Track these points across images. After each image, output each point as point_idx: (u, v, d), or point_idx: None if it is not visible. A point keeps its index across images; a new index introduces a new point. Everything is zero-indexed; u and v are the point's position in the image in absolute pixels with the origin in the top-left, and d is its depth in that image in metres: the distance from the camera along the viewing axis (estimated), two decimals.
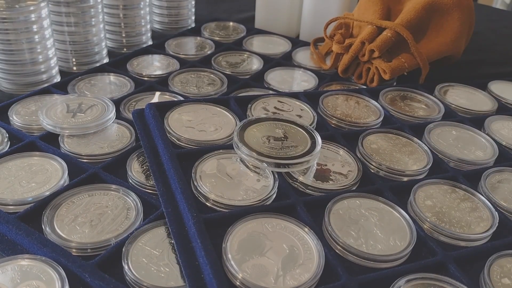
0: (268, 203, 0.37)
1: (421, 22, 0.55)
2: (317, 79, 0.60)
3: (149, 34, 0.70)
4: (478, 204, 0.39)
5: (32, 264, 0.31)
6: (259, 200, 0.36)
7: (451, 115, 0.53)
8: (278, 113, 0.48)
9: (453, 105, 0.55)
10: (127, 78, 0.56)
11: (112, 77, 0.56)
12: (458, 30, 0.56)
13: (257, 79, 0.60)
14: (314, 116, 0.49)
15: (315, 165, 0.41)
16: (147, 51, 0.64)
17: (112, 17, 0.65)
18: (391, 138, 0.47)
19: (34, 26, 0.51)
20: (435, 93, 0.57)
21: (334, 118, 0.49)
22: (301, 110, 0.50)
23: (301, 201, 0.37)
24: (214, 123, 0.45)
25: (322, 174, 0.40)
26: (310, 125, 0.47)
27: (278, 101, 0.50)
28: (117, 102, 0.50)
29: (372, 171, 0.42)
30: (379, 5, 0.57)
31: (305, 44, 0.69)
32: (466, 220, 0.37)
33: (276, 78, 0.59)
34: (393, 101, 0.54)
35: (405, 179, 0.42)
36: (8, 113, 0.47)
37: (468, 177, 0.43)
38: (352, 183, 0.40)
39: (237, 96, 0.51)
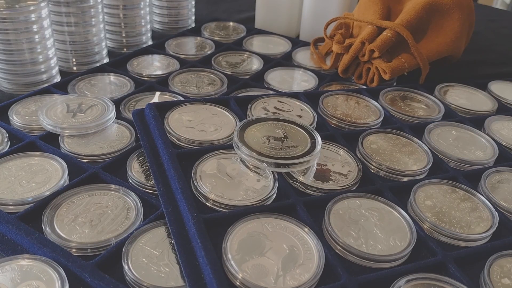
0: (268, 203, 0.37)
1: (421, 22, 0.55)
2: (317, 79, 0.60)
3: (149, 34, 0.70)
4: (478, 204, 0.39)
5: (32, 264, 0.31)
6: (259, 200, 0.36)
7: (451, 115, 0.53)
8: (278, 113, 0.48)
9: (453, 105, 0.55)
10: (127, 78, 0.56)
11: (112, 77, 0.56)
12: (458, 30, 0.56)
13: (257, 79, 0.60)
14: (314, 116, 0.49)
15: (315, 165, 0.41)
16: (147, 51, 0.64)
17: (112, 17, 0.65)
18: (391, 138, 0.47)
19: (34, 26, 0.51)
20: (435, 93, 0.57)
21: (334, 118, 0.49)
22: (301, 110, 0.50)
23: (301, 201, 0.37)
24: (214, 123, 0.45)
25: (322, 174, 0.40)
26: (310, 125, 0.47)
27: (278, 101, 0.50)
28: (117, 102, 0.50)
29: (372, 171, 0.42)
30: (379, 5, 0.57)
31: (305, 44, 0.69)
32: (466, 220, 0.37)
33: (276, 78, 0.59)
34: (393, 101, 0.54)
35: (405, 179, 0.42)
36: (8, 113, 0.47)
37: (468, 177, 0.43)
38: (352, 183, 0.40)
39: (237, 96, 0.51)
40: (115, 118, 0.47)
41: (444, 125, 0.50)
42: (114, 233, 0.35)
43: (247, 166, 0.40)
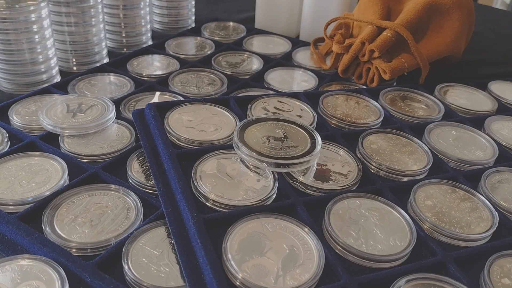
0: (268, 203, 0.37)
1: (421, 22, 0.55)
2: (317, 79, 0.60)
3: (149, 34, 0.70)
4: (478, 204, 0.39)
5: (32, 264, 0.31)
6: (259, 200, 0.36)
7: (451, 115, 0.53)
8: (278, 113, 0.48)
9: (453, 105, 0.55)
10: (127, 78, 0.56)
11: (112, 77, 0.56)
12: (458, 30, 0.56)
13: (257, 79, 0.60)
14: (314, 116, 0.49)
15: (315, 165, 0.41)
16: (147, 51, 0.64)
17: (112, 17, 0.65)
18: (391, 138, 0.47)
19: (34, 26, 0.51)
20: (435, 93, 0.57)
21: (334, 118, 0.49)
22: (301, 110, 0.50)
23: (301, 201, 0.37)
24: (214, 123, 0.45)
25: (322, 174, 0.40)
26: (310, 125, 0.47)
27: (278, 101, 0.50)
28: (117, 102, 0.50)
29: (372, 171, 0.42)
30: (379, 5, 0.57)
31: (305, 44, 0.69)
32: (466, 220, 0.37)
33: (276, 78, 0.59)
34: (393, 101, 0.54)
35: (405, 179, 0.42)
36: (8, 113, 0.47)
37: (468, 177, 0.43)
38: (352, 183, 0.40)
39: (237, 96, 0.51)
40: (115, 118, 0.47)
41: (444, 125, 0.50)
42: (114, 233, 0.35)
43: (247, 166, 0.40)
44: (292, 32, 0.76)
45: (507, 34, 0.89)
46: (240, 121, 0.44)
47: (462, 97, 0.57)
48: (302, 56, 0.66)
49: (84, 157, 0.42)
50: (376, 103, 0.52)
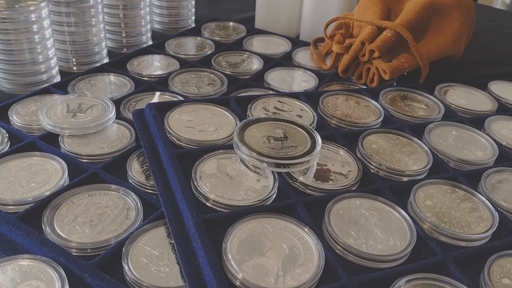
0: (268, 203, 0.37)
1: (421, 22, 0.55)
2: (317, 79, 0.60)
3: (149, 34, 0.70)
4: (478, 204, 0.39)
5: (32, 264, 0.31)
6: (259, 200, 0.36)
7: (451, 115, 0.53)
8: (278, 113, 0.48)
9: (453, 105, 0.55)
10: (127, 78, 0.56)
11: (112, 77, 0.56)
12: (458, 30, 0.56)
13: (257, 79, 0.60)
14: (314, 116, 0.49)
15: (315, 165, 0.41)
16: (147, 51, 0.64)
17: (112, 17, 0.65)
18: (391, 138, 0.47)
19: (34, 26, 0.51)
20: (435, 93, 0.57)
21: (334, 118, 0.49)
22: (301, 110, 0.50)
23: (301, 201, 0.37)
24: (214, 123, 0.45)
25: (322, 174, 0.40)
26: (310, 125, 0.47)
27: (278, 101, 0.50)
28: (117, 102, 0.50)
29: (372, 171, 0.42)
30: (379, 5, 0.57)
31: (305, 44, 0.69)
32: (466, 220, 0.37)
33: (276, 78, 0.59)
34: (393, 101, 0.54)
35: (405, 179, 0.42)
36: (8, 113, 0.47)
37: (468, 177, 0.43)
38: (352, 183, 0.40)
39: (237, 96, 0.51)
40: (115, 118, 0.47)
41: (444, 125, 0.50)
42: (114, 233, 0.35)
43: (247, 166, 0.40)
44: (292, 32, 0.76)
45: (507, 34, 0.89)
46: (240, 121, 0.44)
47: (462, 97, 0.57)
48: (302, 56, 0.66)
49: (84, 157, 0.42)
50: (376, 103, 0.52)
